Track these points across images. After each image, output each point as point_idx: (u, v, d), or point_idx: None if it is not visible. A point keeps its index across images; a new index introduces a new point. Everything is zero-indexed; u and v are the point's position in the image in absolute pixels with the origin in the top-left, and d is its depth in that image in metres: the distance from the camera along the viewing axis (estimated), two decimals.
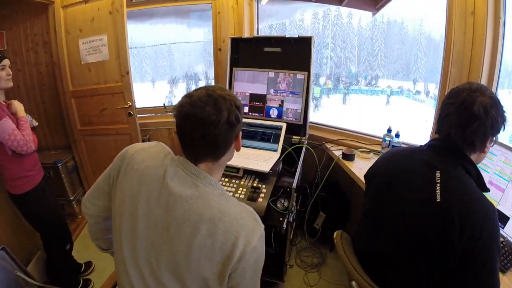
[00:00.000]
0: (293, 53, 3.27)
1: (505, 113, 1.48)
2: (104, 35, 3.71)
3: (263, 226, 1.30)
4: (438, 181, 1.44)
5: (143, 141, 3.94)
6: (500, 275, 1.60)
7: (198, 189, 1.26)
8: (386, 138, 2.97)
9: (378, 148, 3.24)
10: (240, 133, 1.38)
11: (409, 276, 1.50)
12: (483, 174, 1.81)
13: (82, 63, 3.87)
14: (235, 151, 1.43)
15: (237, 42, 3.54)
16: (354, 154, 3.11)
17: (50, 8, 3.86)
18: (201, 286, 1.24)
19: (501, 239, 1.85)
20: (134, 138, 3.79)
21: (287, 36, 3.32)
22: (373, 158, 3.05)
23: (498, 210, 1.96)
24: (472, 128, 1.42)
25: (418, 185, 1.51)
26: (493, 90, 2.60)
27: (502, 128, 1.50)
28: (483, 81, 2.58)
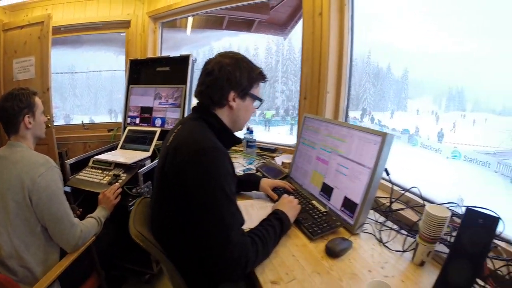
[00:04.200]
0: (178, 71, 3.26)
1: (252, 72, 1.45)
2: (32, 56, 3.70)
3: (53, 164, 1.76)
4: (175, 131, 1.41)
5: (60, 153, 3.81)
6: (306, 241, 1.52)
7: (10, 150, 1.77)
8: (245, 136, 2.94)
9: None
10: (27, 117, 1.83)
11: (166, 231, 1.36)
12: (311, 151, 2.03)
13: (14, 80, 3.82)
14: (32, 129, 1.88)
15: (136, 64, 3.55)
16: None
17: None
18: (17, 209, 1.63)
19: (324, 209, 1.73)
20: (51, 148, 3.64)
21: (171, 56, 3.37)
22: (240, 158, 2.93)
23: (325, 183, 1.84)
24: (206, 83, 1.38)
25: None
26: (345, 82, 2.60)
27: (251, 84, 1.45)
28: (332, 77, 2.57)
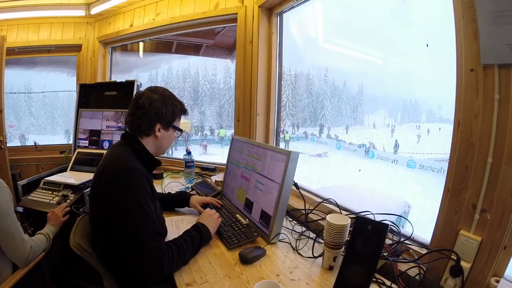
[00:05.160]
0: (125, 95, 3.36)
1: (176, 108, 1.65)
2: None
3: (4, 185, 1.81)
4: (106, 154, 1.61)
5: (13, 175, 3.77)
6: (225, 250, 1.66)
7: None
8: (184, 157, 2.95)
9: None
10: None
11: (100, 242, 1.51)
12: (237, 169, 2.18)
13: None
14: None
15: (85, 88, 3.61)
16: (162, 173, 3.03)
17: None
18: None
19: (245, 222, 1.87)
20: (4, 170, 3.59)
21: (118, 81, 3.49)
22: (181, 178, 3.02)
23: (247, 199, 1.99)
24: (137, 115, 1.54)
25: None
26: (274, 104, 2.76)
27: (174, 118, 1.66)
28: (261, 100, 2.72)
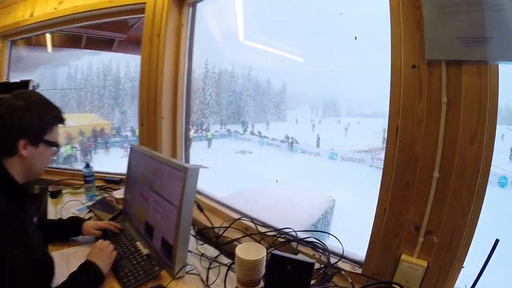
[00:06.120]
0: None
1: (46, 116, 1.24)
2: None
3: None
4: None
5: None
6: None
7: None
8: (83, 170, 2.47)
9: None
10: None
11: None
12: (135, 185, 1.78)
13: None
14: None
15: None
16: (61, 190, 2.46)
17: None
18: None
19: (145, 252, 1.50)
20: None
21: (11, 81, 3.12)
22: (82, 195, 2.45)
23: (147, 222, 1.60)
24: None
25: None
26: (182, 106, 2.45)
27: (44, 130, 1.23)
28: (167, 101, 2.40)
